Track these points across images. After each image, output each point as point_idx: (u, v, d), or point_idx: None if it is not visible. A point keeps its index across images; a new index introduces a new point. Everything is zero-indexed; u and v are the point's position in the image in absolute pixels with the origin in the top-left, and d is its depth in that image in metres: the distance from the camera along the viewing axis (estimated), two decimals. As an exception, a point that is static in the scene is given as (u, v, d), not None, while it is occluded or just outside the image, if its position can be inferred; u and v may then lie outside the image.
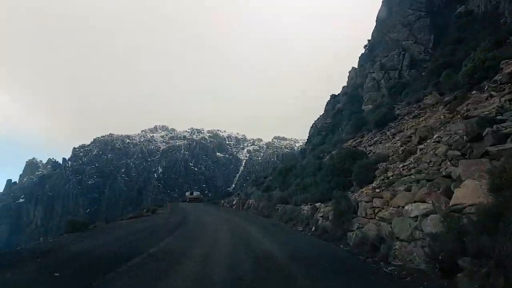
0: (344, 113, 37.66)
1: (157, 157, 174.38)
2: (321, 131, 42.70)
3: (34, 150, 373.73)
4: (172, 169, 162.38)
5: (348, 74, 51.34)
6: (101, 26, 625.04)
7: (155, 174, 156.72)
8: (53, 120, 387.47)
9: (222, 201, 41.44)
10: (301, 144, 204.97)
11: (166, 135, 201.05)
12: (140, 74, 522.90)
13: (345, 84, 50.67)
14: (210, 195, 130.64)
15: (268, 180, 33.85)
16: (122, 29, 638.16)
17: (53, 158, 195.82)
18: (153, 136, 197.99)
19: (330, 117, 43.48)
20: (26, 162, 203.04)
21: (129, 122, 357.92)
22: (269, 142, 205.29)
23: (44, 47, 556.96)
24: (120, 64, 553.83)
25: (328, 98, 52.57)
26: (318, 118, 52.59)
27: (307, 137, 52.69)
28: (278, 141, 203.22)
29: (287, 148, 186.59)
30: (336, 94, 50.65)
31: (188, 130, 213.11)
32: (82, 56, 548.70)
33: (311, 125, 54.10)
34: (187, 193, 63.87)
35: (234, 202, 32.79)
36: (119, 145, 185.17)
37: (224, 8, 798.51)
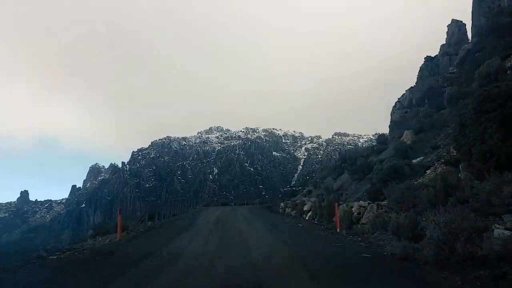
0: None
1: (212, 158, 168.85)
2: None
3: (97, 155, 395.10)
4: (227, 169, 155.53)
5: (446, 30, 37.72)
6: (160, 38, 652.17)
7: (211, 175, 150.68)
8: (116, 125, 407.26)
9: (282, 204, 26.54)
10: (366, 139, 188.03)
11: (221, 136, 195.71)
12: (198, 79, 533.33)
13: (444, 43, 37.03)
14: (267, 196, 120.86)
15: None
16: (178, 37, 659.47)
17: (114, 163, 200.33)
18: (209, 137, 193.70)
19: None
20: (90, 167, 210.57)
21: (185, 124, 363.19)
22: (329, 138, 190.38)
23: (107, 56, 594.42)
24: (176, 67, 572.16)
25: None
26: (405, 93, 39.50)
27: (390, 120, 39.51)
28: (339, 137, 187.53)
29: (350, 145, 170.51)
30: (432, 56, 37.23)
31: (243, 130, 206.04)
32: (142, 63, 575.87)
33: (395, 103, 41.19)
34: None
35: (306, 208, 19.53)
36: (176, 147, 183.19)
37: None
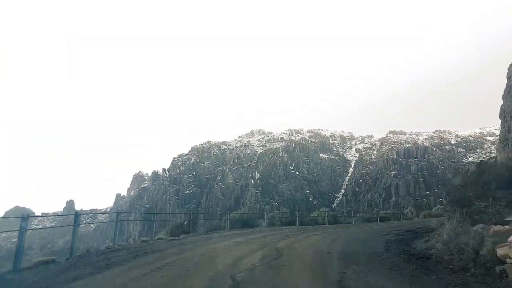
0: None
1: (253, 161, 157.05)
2: None
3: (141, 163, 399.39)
4: (270, 173, 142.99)
5: None
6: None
7: (253, 180, 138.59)
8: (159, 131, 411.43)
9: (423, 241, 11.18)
10: (426, 136, 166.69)
11: (263, 138, 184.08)
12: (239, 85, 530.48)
13: None
14: (331, 210, 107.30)
15: None
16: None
17: (156, 170, 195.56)
18: (250, 140, 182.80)
19: None
20: (133, 175, 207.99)
21: (226, 131, 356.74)
22: (383, 137, 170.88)
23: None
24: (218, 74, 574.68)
25: None
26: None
27: None
28: (395, 135, 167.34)
29: (408, 143, 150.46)
30: None
31: (286, 132, 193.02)
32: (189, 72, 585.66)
33: None
34: None
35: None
36: (216, 152, 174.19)
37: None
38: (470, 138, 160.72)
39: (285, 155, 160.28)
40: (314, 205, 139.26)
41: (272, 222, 26.64)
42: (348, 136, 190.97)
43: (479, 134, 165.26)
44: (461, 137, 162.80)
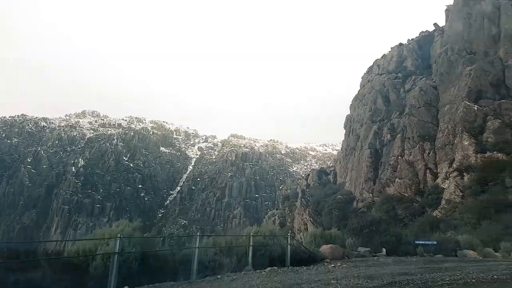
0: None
1: (79, 146, 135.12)
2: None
3: None
4: (98, 162, 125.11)
5: None
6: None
7: (74, 168, 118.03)
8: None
9: None
10: (262, 144, 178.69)
11: (96, 122, 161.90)
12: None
13: None
14: (163, 208, 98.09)
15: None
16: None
17: None
18: (79, 121, 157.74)
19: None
20: None
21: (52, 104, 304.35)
22: (225, 139, 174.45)
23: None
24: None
25: None
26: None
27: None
28: (236, 139, 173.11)
29: (246, 148, 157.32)
30: None
31: (125, 118, 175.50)
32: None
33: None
34: None
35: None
36: (31, 129, 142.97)
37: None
38: (297, 150, 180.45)
39: (121, 143, 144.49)
40: (145, 202, 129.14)
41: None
42: (193, 133, 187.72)
43: (304, 148, 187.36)
44: (290, 148, 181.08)
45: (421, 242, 15.75)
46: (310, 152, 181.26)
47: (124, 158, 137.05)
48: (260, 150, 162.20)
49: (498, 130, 29.89)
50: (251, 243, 9.15)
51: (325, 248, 12.16)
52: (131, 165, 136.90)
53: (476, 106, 32.93)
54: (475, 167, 28.36)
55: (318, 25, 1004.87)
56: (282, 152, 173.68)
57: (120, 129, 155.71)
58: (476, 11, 41.76)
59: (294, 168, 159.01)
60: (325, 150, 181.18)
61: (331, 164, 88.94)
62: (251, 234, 9.42)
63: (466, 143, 31.06)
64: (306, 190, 63.04)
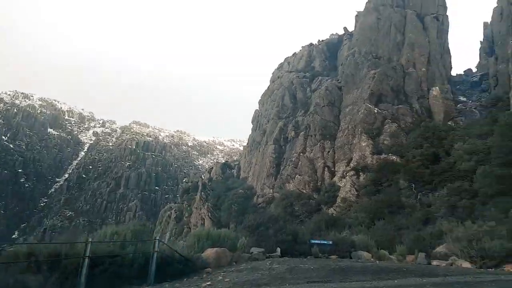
0: None
1: None
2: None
3: None
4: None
5: None
6: None
7: None
8: None
9: None
10: (167, 134, 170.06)
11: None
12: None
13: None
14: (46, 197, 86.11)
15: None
16: None
17: None
18: None
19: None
20: None
21: None
22: (126, 126, 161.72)
23: None
24: None
25: None
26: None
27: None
28: (139, 126, 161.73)
29: (149, 136, 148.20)
30: None
31: (9, 93, 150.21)
32: None
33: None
34: None
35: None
36: None
37: None
38: (204, 143, 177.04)
39: (0, 120, 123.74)
40: (26, 189, 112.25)
41: None
42: (88, 116, 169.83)
43: (212, 142, 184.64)
44: (198, 141, 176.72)
45: (317, 242, 14.38)
46: (218, 146, 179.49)
47: (4, 137, 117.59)
48: (165, 140, 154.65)
49: (394, 133, 31.48)
50: (87, 254, 5.98)
51: (209, 253, 9.59)
52: (11, 146, 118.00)
53: (376, 109, 34.37)
54: (371, 168, 29.26)
55: (232, 22, 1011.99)
56: (189, 144, 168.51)
57: (2, 104, 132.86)
58: (384, 17, 44.18)
59: (200, 162, 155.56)
60: (233, 145, 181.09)
61: (236, 159, 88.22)
62: (90, 240, 6.18)
63: (364, 144, 32.05)
64: (208, 183, 60.61)
